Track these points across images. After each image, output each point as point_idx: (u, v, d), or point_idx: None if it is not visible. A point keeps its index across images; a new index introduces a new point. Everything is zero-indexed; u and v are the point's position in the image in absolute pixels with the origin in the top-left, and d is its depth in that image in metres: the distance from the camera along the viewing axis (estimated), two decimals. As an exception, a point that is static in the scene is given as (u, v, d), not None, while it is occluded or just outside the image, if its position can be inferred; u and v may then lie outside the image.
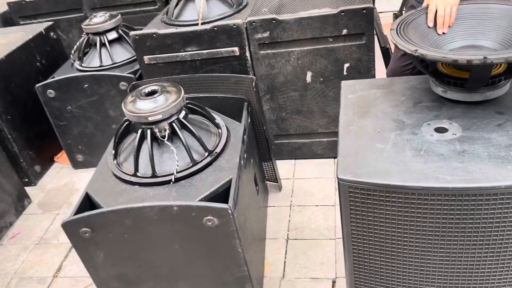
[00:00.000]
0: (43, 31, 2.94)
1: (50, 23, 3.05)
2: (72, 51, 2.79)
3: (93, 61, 2.70)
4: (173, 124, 1.65)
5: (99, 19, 2.68)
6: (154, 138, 1.65)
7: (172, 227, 1.48)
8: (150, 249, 1.55)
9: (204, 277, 1.62)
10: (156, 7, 3.28)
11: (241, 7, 2.42)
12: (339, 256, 1.94)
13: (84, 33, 2.73)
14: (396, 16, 3.19)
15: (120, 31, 2.72)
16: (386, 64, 2.45)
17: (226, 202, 1.45)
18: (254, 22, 2.17)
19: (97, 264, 1.60)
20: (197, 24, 2.29)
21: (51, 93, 2.56)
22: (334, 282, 1.85)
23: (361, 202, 1.22)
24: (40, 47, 2.90)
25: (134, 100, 1.67)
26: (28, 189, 2.66)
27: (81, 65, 2.70)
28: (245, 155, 1.79)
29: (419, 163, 1.20)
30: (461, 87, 1.36)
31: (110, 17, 2.69)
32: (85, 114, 2.62)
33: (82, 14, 3.43)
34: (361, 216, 1.25)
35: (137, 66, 2.60)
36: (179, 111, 1.68)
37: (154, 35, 2.28)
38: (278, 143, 2.53)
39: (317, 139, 2.49)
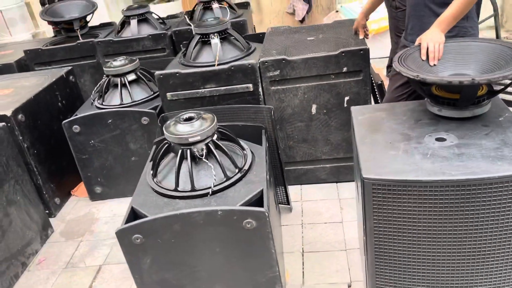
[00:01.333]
0: (64, 75, 3.20)
1: (69, 67, 3.32)
2: (93, 92, 3.05)
3: (113, 100, 2.96)
4: (209, 144, 1.91)
5: (119, 63, 2.97)
6: (192, 157, 1.89)
7: (215, 230, 1.70)
8: (193, 253, 1.75)
9: (239, 279, 1.82)
10: (165, 53, 3.60)
11: (250, 51, 2.76)
12: (352, 264, 2.17)
13: (105, 75, 3.00)
14: (388, 66, 3.57)
15: (138, 73, 3.00)
16: (381, 97, 2.80)
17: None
18: (266, 62, 2.49)
19: (143, 270, 1.78)
20: (214, 65, 2.60)
21: (76, 128, 2.78)
22: (349, 286, 2.06)
23: (382, 197, 1.48)
24: (61, 89, 3.14)
25: (174, 125, 1.92)
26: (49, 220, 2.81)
27: (102, 104, 2.95)
28: (268, 173, 2.04)
29: (427, 163, 1.48)
30: (454, 106, 1.68)
31: (129, 61, 2.98)
32: (106, 147, 2.84)
33: (95, 61, 3.72)
34: (382, 210, 1.51)
35: (155, 104, 2.87)
36: (213, 134, 1.94)
37: (177, 74, 2.57)
38: (286, 169, 2.80)
39: (321, 165, 2.77)
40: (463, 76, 1.67)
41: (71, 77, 3.29)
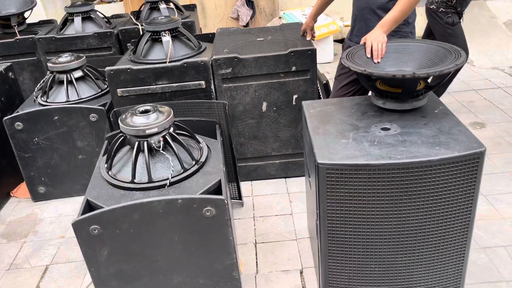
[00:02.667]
0: (3, 71, 3.05)
1: (9, 63, 3.17)
2: (36, 89, 2.94)
3: (58, 97, 2.87)
4: (166, 136, 1.93)
5: (65, 59, 2.89)
6: (149, 149, 1.90)
7: (174, 219, 1.72)
8: (152, 243, 1.76)
9: (197, 268, 1.85)
10: (111, 52, 3.54)
11: (201, 49, 2.81)
12: (302, 252, 2.27)
13: (49, 71, 2.91)
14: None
15: (85, 70, 2.94)
16: (326, 95, 2.95)
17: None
18: (219, 59, 2.55)
19: (100, 262, 1.76)
20: (165, 62, 2.62)
21: (19, 125, 2.67)
22: (301, 272, 2.16)
23: (335, 181, 1.59)
24: (0, 86, 2.99)
25: (130, 117, 1.92)
26: (-13, 222, 2.66)
27: (45, 101, 2.85)
28: (224, 166, 2.09)
29: (375, 149, 1.62)
30: (396, 99, 1.83)
31: (76, 57, 2.92)
32: (52, 145, 2.75)
33: (35, 58, 3.58)
34: (335, 193, 1.62)
35: (103, 101, 2.83)
36: (170, 126, 1.96)
37: (128, 70, 2.56)
38: (238, 166, 2.86)
39: (271, 161, 2.87)
40: (404, 71, 1.83)
41: (10, 73, 3.14)
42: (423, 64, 1.90)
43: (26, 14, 3.98)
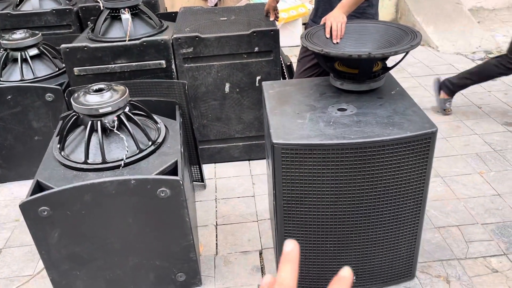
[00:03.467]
0: (-47, 47, 2.90)
1: (-41, 40, 3.01)
2: (-12, 67, 2.81)
3: (12, 75, 2.75)
4: (121, 116, 1.87)
5: (19, 36, 2.77)
6: (102, 129, 1.85)
7: (128, 200, 1.68)
8: (105, 225, 1.72)
9: (153, 249, 1.82)
10: (71, 30, 3.41)
11: (162, 28, 2.74)
12: (263, 233, 2.27)
13: (2, 48, 2.78)
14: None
15: (41, 48, 2.83)
16: (290, 77, 2.94)
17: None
18: (179, 38, 2.49)
19: (50, 245, 1.71)
20: (124, 41, 2.54)
21: (-31, 104, 2.55)
22: (261, 253, 2.16)
23: (290, 161, 1.59)
24: (-50, 63, 2.85)
25: (83, 96, 1.86)
26: None
27: (-1, 80, 2.73)
28: (183, 147, 2.06)
29: (330, 129, 1.61)
30: (353, 80, 1.83)
31: (31, 34, 2.80)
32: (5, 126, 2.64)
33: (-11, 35, 3.41)
34: (290, 173, 1.61)
35: (60, 81, 2.73)
36: (125, 106, 1.91)
37: (85, 48, 2.47)
38: (200, 148, 2.83)
39: (234, 144, 2.85)
40: (361, 52, 1.83)
41: (-39, 50, 2.99)
42: (381, 45, 1.90)
43: (-20, -11, 3.78)
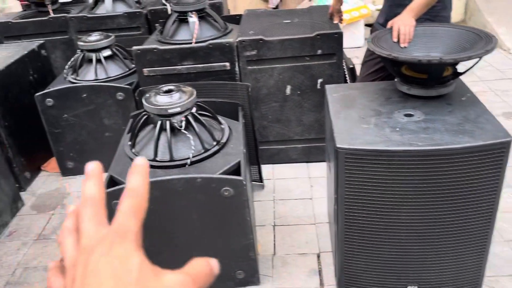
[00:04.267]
0: (36, 48, 3.14)
1: (42, 41, 3.26)
2: (67, 66, 3.02)
3: (87, 75, 2.93)
4: (188, 116, 1.95)
5: (94, 38, 2.95)
6: (171, 128, 1.93)
7: (193, 198, 1.75)
8: (172, 220, 1.81)
9: (215, 246, 1.88)
10: (140, 32, 3.58)
11: (227, 31, 2.81)
12: (320, 236, 2.27)
13: (79, 50, 2.98)
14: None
15: (114, 49, 2.99)
16: (352, 80, 2.91)
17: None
18: (244, 41, 2.55)
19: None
20: (191, 43, 2.64)
21: (49, 101, 2.75)
22: (318, 256, 2.17)
23: (354, 166, 1.58)
24: (33, 63, 3.09)
25: (154, 96, 1.95)
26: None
27: (75, 79, 2.92)
28: (245, 147, 2.10)
29: (396, 135, 1.59)
30: (422, 85, 1.79)
31: (105, 36, 2.97)
32: (80, 122, 2.83)
33: (67, 37, 3.66)
34: (353, 179, 1.61)
35: (130, 80, 2.88)
36: (193, 107, 1.98)
37: (155, 50, 2.59)
38: (260, 149, 2.87)
39: (293, 145, 2.86)
40: (431, 57, 1.78)
41: (43, 51, 3.23)
42: (451, 49, 1.84)
43: (59, -7, 4.06)
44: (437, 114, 1.70)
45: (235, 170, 1.89)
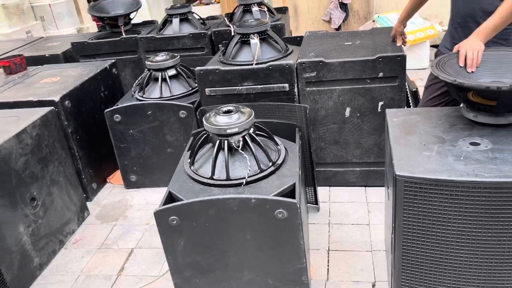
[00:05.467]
0: (108, 67, 3.35)
1: (113, 60, 3.48)
2: (134, 84, 3.19)
3: (153, 93, 3.08)
4: (245, 137, 1.99)
5: (161, 58, 3.10)
6: (228, 148, 1.98)
7: (247, 218, 1.77)
8: (225, 238, 1.83)
9: (267, 268, 1.88)
10: (204, 52, 3.71)
11: (288, 52, 2.84)
12: (377, 264, 2.20)
13: (146, 69, 3.14)
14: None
15: (178, 69, 3.12)
16: (415, 104, 2.82)
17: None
18: (303, 63, 2.56)
19: (176, 252, 1.87)
20: (251, 64, 2.69)
21: (117, 117, 2.92)
22: (373, 285, 2.09)
23: (413, 195, 1.52)
24: (105, 80, 3.30)
25: (214, 116, 2.01)
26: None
27: (142, 96, 3.07)
28: (300, 169, 2.10)
29: (460, 165, 1.52)
30: (490, 112, 1.70)
31: (170, 57, 3.11)
32: (144, 137, 2.96)
33: (136, 56, 3.87)
34: (412, 208, 1.55)
35: (193, 99, 2.98)
36: (250, 127, 2.02)
37: (217, 71, 2.67)
38: (316, 170, 2.84)
39: (351, 168, 2.81)
40: (501, 83, 1.69)
41: (114, 69, 3.44)
42: (524, 75, 1.74)
43: (132, 15, 4.32)
44: (507, 144, 1.60)
45: (290, 192, 1.89)
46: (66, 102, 2.82)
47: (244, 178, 1.92)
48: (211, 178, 1.96)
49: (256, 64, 2.68)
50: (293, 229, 1.77)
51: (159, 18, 5.00)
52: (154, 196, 3.02)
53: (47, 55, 3.85)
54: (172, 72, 3.10)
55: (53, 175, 2.56)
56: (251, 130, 2.03)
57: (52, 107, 2.62)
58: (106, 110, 2.92)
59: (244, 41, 2.83)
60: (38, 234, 2.41)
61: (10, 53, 3.97)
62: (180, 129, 2.92)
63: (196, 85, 3.10)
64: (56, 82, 3.06)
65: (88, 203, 2.99)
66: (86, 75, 3.15)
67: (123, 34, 4.02)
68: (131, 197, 3.05)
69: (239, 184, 1.92)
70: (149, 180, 3.11)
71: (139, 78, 3.19)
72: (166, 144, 2.97)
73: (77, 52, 3.90)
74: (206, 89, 2.73)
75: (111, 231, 2.72)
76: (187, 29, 3.82)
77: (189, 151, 2.17)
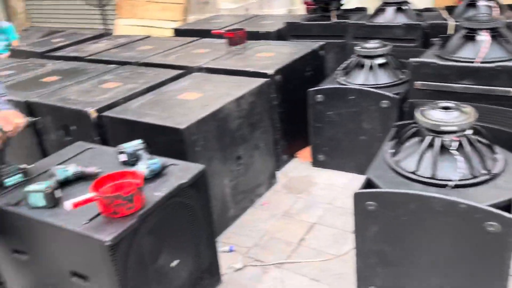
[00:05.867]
0: (316, 48, 3.49)
1: (322, 43, 3.60)
2: (339, 68, 3.25)
3: (356, 79, 3.10)
4: (461, 137, 1.85)
5: (372, 45, 3.08)
6: (440, 146, 1.87)
7: (451, 222, 1.67)
8: (421, 237, 1.76)
9: (460, 281, 1.75)
10: (415, 44, 3.55)
11: (521, 55, 2.52)
12: None
13: (355, 54, 3.16)
14: None
15: (388, 58, 3.06)
16: None
17: None
18: (542, 68, 2.25)
19: (366, 237, 1.88)
20: (472, 62, 2.47)
21: (319, 98, 3.03)
22: None
23: None
24: (311, 61, 3.44)
25: (428, 110, 1.93)
26: (274, 172, 3.17)
27: (345, 80, 3.12)
28: (519, 185, 1.87)
29: None
30: None
31: (382, 45, 3.06)
32: (340, 121, 3.02)
33: (343, 41, 3.93)
34: None
35: (397, 90, 2.90)
36: (468, 128, 1.87)
37: (433, 64, 2.54)
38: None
39: None
40: None
41: (321, 51, 3.56)
42: None
43: (343, 1, 4.39)
44: None
45: (505, 207, 1.71)
46: (278, 76, 3.04)
47: (451, 180, 1.80)
48: (414, 173, 1.89)
49: (480, 62, 2.45)
50: (503, 246, 1.60)
51: (369, 5, 4.95)
52: (339, 179, 3.08)
53: (262, 32, 4.19)
54: (380, 60, 3.07)
55: (256, 140, 2.81)
56: (469, 132, 1.88)
57: (268, 79, 2.86)
58: (310, 89, 3.06)
59: (469, 36, 2.61)
60: (237, 189, 2.69)
61: (231, 27, 4.43)
62: (378, 118, 2.88)
63: (403, 77, 3.01)
64: (270, 57, 3.32)
65: (276, 172, 3.20)
66: (297, 53, 3.34)
67: (334, 18, 4.11)
68: (317, 175, 3.16)
69: (444, 185, 1.81)
70: (336, 163, 3.17)
71: (345, 62, 3.23)
72: (360, 131, 2.98)
73: (289, 31, 4.15)
74: (417, 82, 2.63)
75: (295, 202, 2.87)
76: (401, 19, 3.70)
77: (392, 142, 2.13)
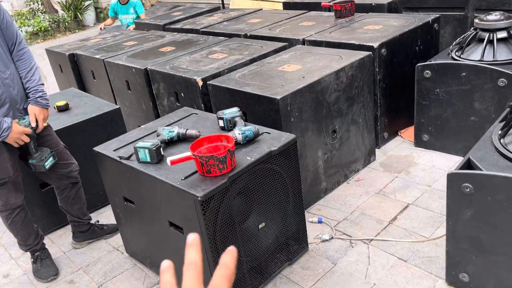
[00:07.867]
0: (430, 22, 3.26)
1: (437, 15, 3.35)
2: (454, 43, 3.01)
3: (472, 54, 2.84)
4: None
5: (493, 17, 2.78)
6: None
7: (560, 213, 1.50)
8: (522, 226, 1.62)
9: None
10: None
11: None
12: None
13: (472, 28, 2.89)
14: None
15: (511, 32, 2.75)
16: None
17: None
18: None
19: (459, 220, 1.77)
20: None
21: (427, 73, 2.85)
22: None
23: None
24: (423, 35, 3.23)
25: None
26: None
27: (459, 56, 2.88)
28: None
29: None
30: None
31: (505, 17, 2.76)
32: (449, 99, 2.82)
33: (462, 13, 3.61)
34: None
35: (519, 68, 2.60)
36: None
37: None
38: None
39: None
40: None
41: (435, 25, 3.32)
42: None
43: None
44: None
45: None
46: (383, 50, 2.93)
47: None
48: (524, 157, 1.73)
49: None
50: None
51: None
52: (442, 162, 2.90)
53: (373, 4, 4.03)
54: (502, 34, 2.77)
55: (354, 115, 2.76)
56: None
57: (370, 52, 2.77)
58: (418, 65, 2.89)
59: None
60: (330, 162, 2.70)
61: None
62: (494, 98, 2.63)
63: (530, 53, 2.69)
64: (377, 30, 3.20)
65: (376, 150, 3.12)
66: (407, 27, 3.16)
67: (454, -12, 3.77)
68: (418, 156, 3.02)
69: (559, 173, 1.62)
70: (441, 144, 2.98)
71: (461, 37, 2.98)
72: (471, 111, 2.75)
73: (402, 3, 3.93)
74: (543, 58, 2.33)
75: (392, 181, 2.79)
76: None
77: (502, 123, 1.94)
